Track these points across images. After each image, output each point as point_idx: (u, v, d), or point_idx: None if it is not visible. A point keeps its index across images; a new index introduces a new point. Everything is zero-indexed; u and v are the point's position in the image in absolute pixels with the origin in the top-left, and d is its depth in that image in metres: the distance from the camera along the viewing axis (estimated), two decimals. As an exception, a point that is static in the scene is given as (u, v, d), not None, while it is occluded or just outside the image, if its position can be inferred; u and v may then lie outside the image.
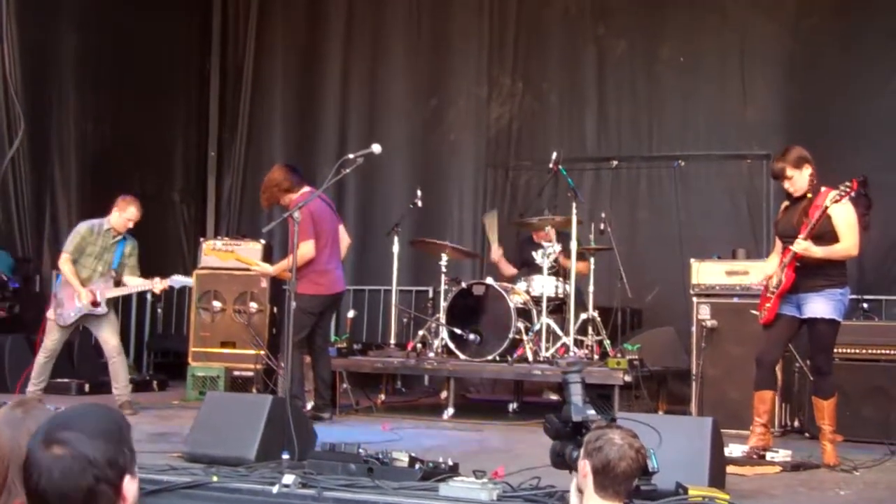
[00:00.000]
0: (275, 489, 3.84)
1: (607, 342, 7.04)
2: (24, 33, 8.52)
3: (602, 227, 7.34)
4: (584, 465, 2.93)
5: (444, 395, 7.43)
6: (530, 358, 6.86)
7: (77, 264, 6.65)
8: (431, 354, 7.22)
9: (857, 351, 6.08)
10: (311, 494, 3.79)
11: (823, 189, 5.01)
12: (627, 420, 3.71)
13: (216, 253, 7.57)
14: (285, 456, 4.39)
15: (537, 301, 7.11)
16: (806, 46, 8.63)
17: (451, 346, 7.08)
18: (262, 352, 7.40)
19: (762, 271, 5.36)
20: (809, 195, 5.04)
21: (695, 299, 6.55)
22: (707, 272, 6.58)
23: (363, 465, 4.06)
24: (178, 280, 6.84)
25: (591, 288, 7.17)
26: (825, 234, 4.95)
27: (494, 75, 9.75)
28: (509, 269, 7.88)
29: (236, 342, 7.68)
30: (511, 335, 6.88)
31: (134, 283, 6.77)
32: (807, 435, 6.03)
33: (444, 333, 7.15)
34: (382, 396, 7.73)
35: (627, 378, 6.38)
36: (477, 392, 8.91)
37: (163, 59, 10.20)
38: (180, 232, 10.43)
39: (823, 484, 4.57)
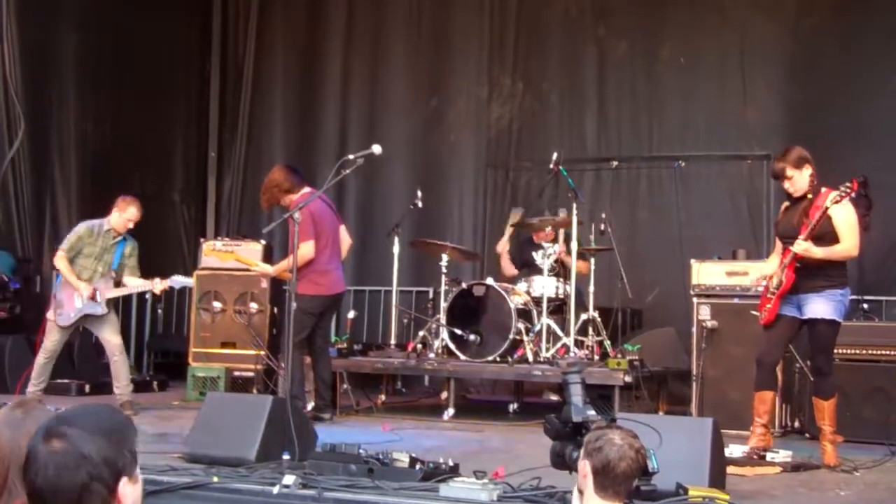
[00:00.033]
0: (275, 490, 3.84)
1: (608, 343, 7.04)
2: (25, 33, 8.53)
3: (602, 227, 7.35)
4: (584, 466, 2.93)
5: (444, 395, 7.43)
6: (530, 358, 6.86)
7: (76, 265, 6.65)
8: (432, 355, 7.22)
9: (858, 352, 6.09)
10: (311, 495, 3.79)
11: (824, 190, 5.01)
12: (627, 420, 3.71)
13: (216, 253, 7.57)
14: (286, 456, 4.39)
15: (538, 301, 7.11)
16: (806, 47, 8.63)
17: (452, 346, 7.08)
18: (263, 352, 7.40)
19: (761, 272, 5.36)
20: (809, 196, 5.04)
21: (695, 300, 6.55)
22: (707, 273, 6.58)
23: (363, 465, 4.06)
24: (178, 281, 6.84)
25: (591, 288, 7.17)
26: (825, 234, 4.95)
27: (495, 75, 9.75)
28: (510, 268, 7.88)
29: (237, 343, 7.68)
30: (511, 336, 6.88)
31: (134, 283, 6.77)
32: (807, 435, 6.03)
33: (444, 334, 7.15)
34: (383, 397, 7.73)
35: (628, 378, 6.38)
36: (477, 392, 8.91)
37: (163, 59, 10.20)
38: (180, 232, 10.43)
39: (824, 484, 4.57)
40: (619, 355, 6.64)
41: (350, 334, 7.98)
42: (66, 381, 7.57)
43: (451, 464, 4.10)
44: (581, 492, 3.00)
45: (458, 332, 7.06)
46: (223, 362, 7.67)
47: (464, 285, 7.25)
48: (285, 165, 6.89)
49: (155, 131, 10.05)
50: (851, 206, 4.99)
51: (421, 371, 7.62)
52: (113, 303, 6.79)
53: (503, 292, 7.02)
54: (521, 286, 7.34)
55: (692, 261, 6.70)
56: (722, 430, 4.32)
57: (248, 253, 7.55)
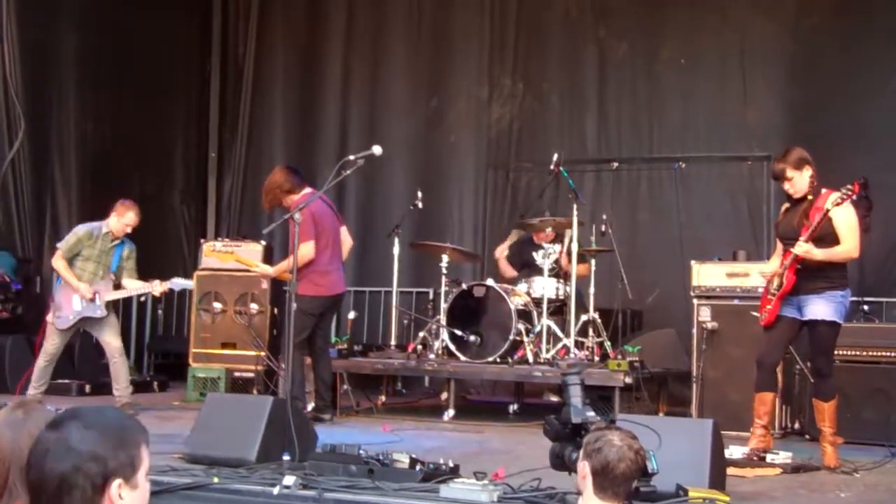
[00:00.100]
0: (275, 490, 3.84)
1: (608, 344, 7.04)
2: (25, 34, 8.53)
3: (603, 228, 7.34)
4: (584, 467, 2.93)
5: (444, 396, 7.44)
6: (531, 359, 6.86)
7: (75, 267, 6.65)
8: (432, 356, 7.22)
9: (858, 353, 6.08)
10: (311, 496, 3.79)
11: (824, 191, 5.01)
12: (627, 422, 3.72)
13: (216, 254, 7.57)
14: (286, 457, 4.38)
15: (538, 302, 7.11)
16: (806, 47, 8.63)
17: (452, 347, 7.08)
18: (263, 353, 7.40)
19: (761, 271, 5.36)
20: (810, 197, 5.04)
21: (695, 301, 6.55)
22: (707, 274, 6.58)
23: (364, 466, 4.06)
24: (177, 283, 6.84)
25: (591, 289, 7.17)
26: (826, 236, 4.95)
27: (495, 76, 9.75)
28: (509, 271, 7.88)
29: (237, 343, 7.68)
30: (511, 336, 6.88)
31: (133, 286, 6.76)
32: (807, 437, 6.03)
33: (444, 335, 7.14)
34: (383, 398, 7.73)
35: (628, 380, 6.37)
36: (477, 393, 8.91)
37: (163, 60, 10.21)
38: (181, 233, 10.43)
39: (824, 486, 4.57)
40: (620, 356, 6.64)
41: (350, 335, 7.98)
42: (66, 381, 7.57)
43: (451, 465, 4.10)
44: (580, 493, 3.00)
45: (459, 332, 7.06)
46: (223, 363, 7.67)
47: (464, 286, 7.25)
48: (286, 166, 6.89)
49: (155, 131, 10.05)
50: (852, 207, 4.99)
51: (421, 372, 7.62)
52: (112, 304, 6.78)
53: (503, 293, 7.02)
54: (522, 287, 7.34)
55: (692, 262, 6.70)
56: (722, 432, 4.32)
57: (249, 253, 7.55)
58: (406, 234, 8.23)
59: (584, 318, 7.07)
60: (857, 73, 8.32)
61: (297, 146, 10.33)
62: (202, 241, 8.40)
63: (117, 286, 6.72)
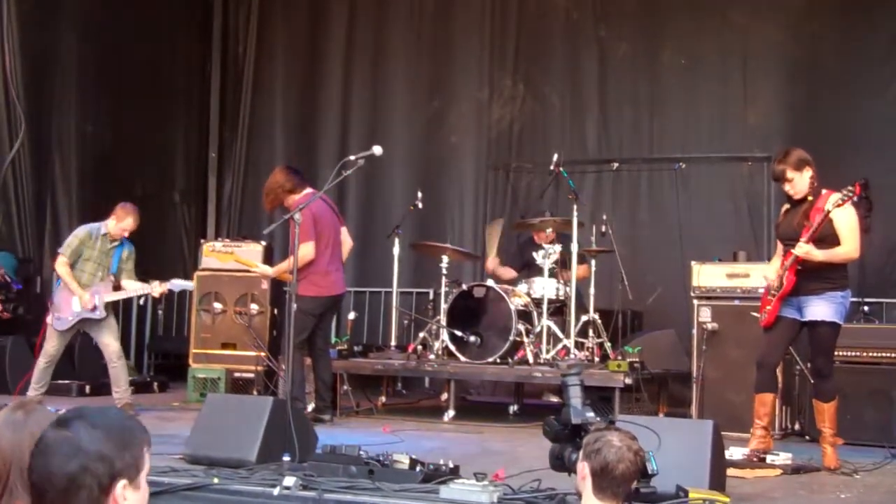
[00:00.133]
0: (276, 491, 3.84)
1: (608, 344, 7.04)
2: (25, 34, 8.53)
3: (603, 229, 7.35)
4: (583, 468, 2.93)
5: (444, 397, 7.44)
6: (531, 360, 6.86)
7: (77, 269, 6.64)
8: (432, 356, 7.22)
9: (858, 354, 6.08)
10: (311, 496, 3.79)
11: (824, 192, 5.01)
12: (627, 422, 3.72)
13: (216, 254, 7.58)
14: (286, 458, 4.38)
15: (538, 303, 7.11)
16: (807, 50, 8.63)
17: (452, 348, 7.08)
18: (263, 353, 7.40)
19: (764, 275, 5.35)
20: (810, 198, 5.04)
21: (695, 302, 6.55)
22: (708, 274, 6.58)
23: (364, 467, 4.06)
24: (177, 284, 6.83)
25: (591, 290, 7.17)
26: (826, 237, 4.95)
27: (496, 77, 9.75)
28: (506, 275, 7.88)
29: (237, 344, 7.69)
30: (511, 337, 6.88)
31: (133, 287, 6.76)
32: (807, 438, 6.03)
33: (444, 335, 7.14)
34: (383, 398, 7.74)
35: (628, 380, 6.37)
36: (477, 394, 8.91)
37: (163, 60, 10.21)
38: (181, 233, 10.43)
39: (824, 487, 4.57)
40: (620, 357, 6.64)
41: (350, 336, 7.98)
42: (66, 382, 7.57)
43: (451, 465, 4.10)
44: (580, 493, 3.01)
45: (459, 333, 7.06)
46: (224, 363, 7.67)
47: (464, 287, 7.25)
48: (286, 166, 6.89)
49: (155, 131, 10.06)
50: (853, 208, 4.99)
51: (421, 372, 7.62)
52: (112, 305, 6.78)
53: (503, 294, 7.02)
54: (522, 287, 7.34)
55: (693, 262, 6.70)
56: (722, 433, 4.32)
57: (249, 254, 7.55)
58: (406, 235, 8.23)
59: (584, 318, 7.08)
60: (858, 75, 8.32)
61: (298, 146, 10.33)
62: (202, 241, 8.40)
63: (116, 287, 6.71)
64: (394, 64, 10.14)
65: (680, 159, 8.84)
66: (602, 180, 9.23)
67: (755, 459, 4.92)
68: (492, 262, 7.92)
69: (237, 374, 7.62)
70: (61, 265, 6.63)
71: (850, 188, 4.87)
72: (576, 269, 7.16)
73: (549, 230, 7.52)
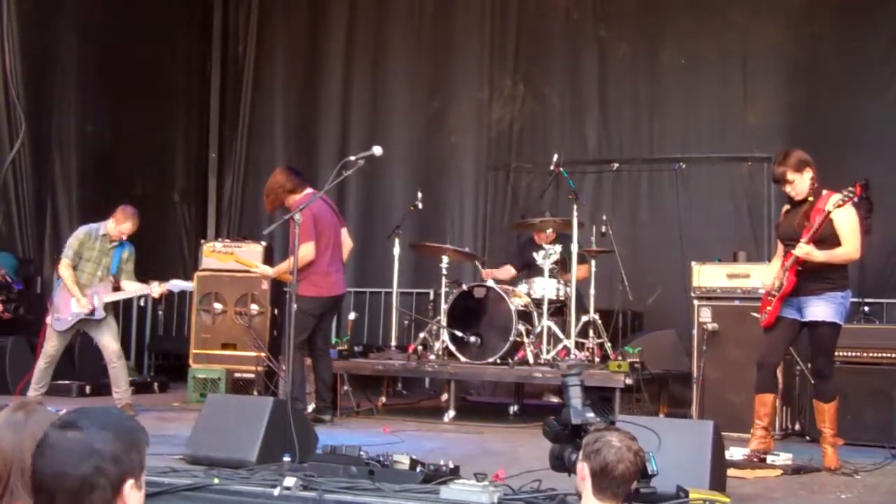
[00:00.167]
0: (276, 492, 3.84)
1: (608, 345, 7.04)
2: (25, 34, 8.53)
3: (603, 229, 7.35)
4: (583, 468, 2.93)
5: (444, 397, 7.44)
6: (531, 360, 6.86)
7: (76, 269, 6.64)
8: (432, 357, 7.22)
9: (859, 354, 6.08)
10: (312, 497, 3.79)
11: (825, 192, 5.01)
12: (627, 423, 3.72)
13: (216, 254, 7.57)
14: (286, 458, 4.39)
15: (538, 303, 7.11)
16: (807, 50, 8.64)
17: (452, 348, 7.08)
18: (263, 354, 7.40)
19: (766, 277, 5.34)
20: (811, 198, 5.04)
21: (696, 302, 6.55)
22: (708, 275, 6.58)
23: (364, 467, 4.06)
24: (176, 284, 6.82)
25: (591, 290, 7.17)
26: (827, 237, 4.95)
27: (496, 77, 9.75)
28: (506, 273, 7.87)
29: (237, 344, 7.68)
30: (512, 337, 6.88)
31: (132, 287, 6.75)
32: (807, 438, 6.03)
33: (444, 336, 7.14)
34: (383, 399, 7.74)
35: (628, 381, 6.37)
36: (478, 394, 8.91)
37: (163, 59, 10.22)
38: (181, 233, 10.43)
39: (824, 487, 4.57)
40: (620, 357, 6.64)
41: (350, 336, 7.98)
42: (66, 382, 7.57)
43: (451, 466, 4.10)
44: (579, 494, 3.01)
45: (459, 333, 7.06)
46: (224, 364, 7.67)
47: (464, 287, 7.25)
48: (287, 167, 6.89)
49: (155, 132, 10.06)
50: (853, 209, 4.99)
51: (421, 373, 7.62)
52: (112, 306, 6.77)
53: (503, 294, 7.02)
54: (522, 288, 7.34)
55: (693, 263, 6.70)
56: (722, 433, 4.32)
57: (249, 254, 7.55)
58: (406, 235, 8.23)
59: (584, 319, 7.08)
60: (858, 75, 8.32)
61: (298, 146, 10.34)
62: (202, 241, 8.40)
63: (116, 288, 6.71)
64: (394, 64, 10.14)
65: (680, 159, 8.85)
66: (602, 180, 9.23)
67: (755, 460, 4.92)
68: (485, 273, 7.82)
69: (237, 375, 7.62)
70: (64, 268, 6.62)
71: (850, 189, 4.87)
72: (576, 270, 7.16)
73: (550, 230, 7.52)
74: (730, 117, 8.93)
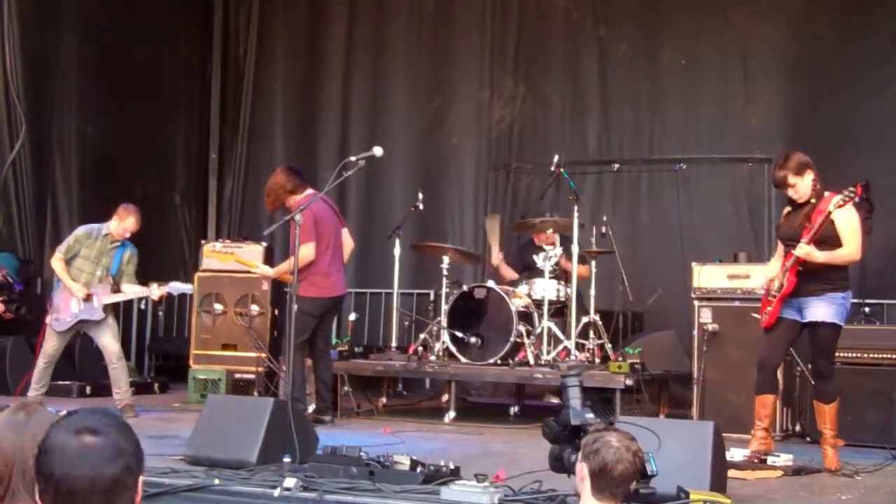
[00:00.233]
0: (276, 492, 3.84)
1: (608, 346, 7.04)
2: (26, 36, 8.53)
3: (603, 230, 7.35)
4: (582, 468, 2.93)
5: (445, 398, 7.44)
6: (531, 361, 6.86)
7: (74, 267, 6.66)
8: (433, 357, 7.22)
9: (859, 355, 6.08)
10: (312, 497, 3.80)
11: (827, 194, 5.00)
12: (627, 424, 3.72)
13: (216, 255, 7.57)
14: (287, 459, 4.39)
15: (538, 304, 7.11)
16: (807, 50, 8.63)
17: (453, 349, 7.08)
18: (264, 354, 7.40)
19: (764, 274, 5.36)
20: (813, 200, 5.03)
21: (696, 303, 6.55)
22: (708, 275, 6.58)
23: (365, 468, 4.06)
24: (176, 287, 6.82)
25: (592, 291, 7.17)
26: (828, 238, 4.95)
27: (496, 77, 9.75)
28: (510, 274, 7.87)
29: (238, 345, 7.68)
30: (512, 338, 6.88)
31: (132, 290, 6.76)
32: (808, 439, 6.03)
33: (445, 336, 7.14)
34: (384, 399, 7.74)
35: (629, 382, 6.37)
36: (478, 395, 8.91)
37: (164, 61, 10.22)
38: (181, 234, 10.43)
39: (825, 488, 4.57)
40: (620, 358, 6.64)
41: (351, 337, 7.97)
42: (67, 382, 7.57)
43: (451, 467, 4.10)
44: (578, 494, 3.01)
45: (459, 334, 7.06)
46: (224, 364, 7.67)
47: (465, 288, 7.25)
48: (287, 167, 6.89)
49: (156, 132, 10.06)
50: (854, 209, 4.99)
51: (422, 374, 7.62)
52: (112, 307, 6.78)
53: (504, 295, 7.02)
54: (522, 289, 7.33)
55: (693, 264, 6.70)
56: (723, 434, 4.32)
57: (250, 255, 7.54)
58: (407, 236, 8.23)
59: (584, 319, 7.08)
60: (858, 75, 8.32)
61: (298, 147, 10.34)
62: (203, 242, 8.40)
63: (116, 290, 6.72)
64: (394, 64, 10.14)
65: (680, 160, 8.85)
66: (602, 181, 9.23)
67: (756, 461, 4.92)
68: (496, 257, 7.91)
69: (238, 376, 7.62)
70: (56, 261, 6.68)
71: (851, 189, 4.87)
72: (576, 270, 7.16)
73: (550, 231, 7.52)
74: (730, 117, 8.93)
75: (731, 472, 4.45)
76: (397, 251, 7.84)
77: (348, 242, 6.81)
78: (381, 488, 3.85)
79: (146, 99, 9.78)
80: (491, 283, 7.20)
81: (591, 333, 7.05)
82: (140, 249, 6.91)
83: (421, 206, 7.96)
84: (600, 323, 7.11)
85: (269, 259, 7.75)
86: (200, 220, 10.66)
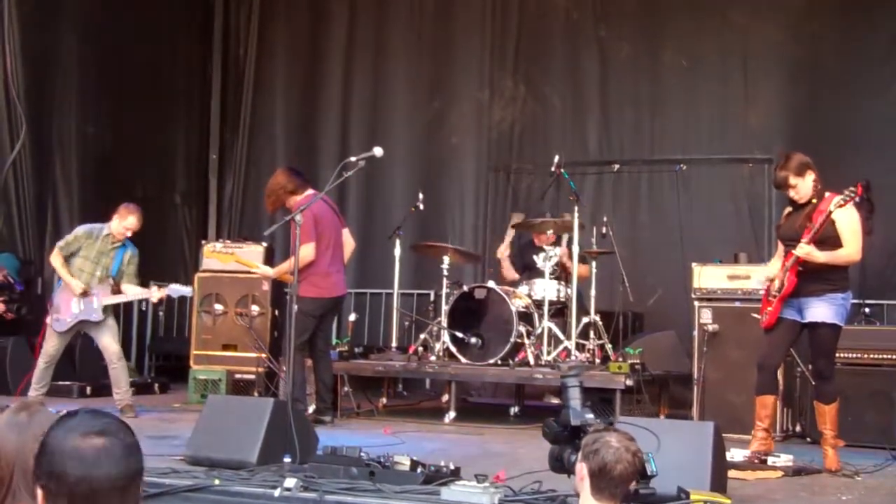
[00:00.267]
0: (276, 493, 3.84)
1: (609, 346, 7.04)
2: (26, 36, 8.53)
3: (604, 230, 7.35)
4: (581, 468, 2.94)
5: (445, 398, 7.44)
6: (532, 362, 6.86)
7: (74, 266, 6.66)
8: (433, 358, 7.22)
9: (859, 356, 6.08)
10: (312, 498, 3.80)
11: (828, 194, 5.00)
12: (627, 424, 3.72)
13: (216, 255, 7.57)
14: (287, 459, 4.39)
15: (539, 305, 7.11)
16: (807, 50, 8.64)
17: (453, 349, 7.08)
18: (264, 355, 7.40)
19: (765, 274, 5.36)
20: (814, 200, 5.03)
21: (696, 303, 6.55)
22: (709, 276, 6.58)
23: (365, 468, 4.06)
24: (175, 289, 6.82)
25: (592, 292, 7.17)
26: (828, 238, 4.95)
27: (496, 77, 9.75)
28: (511, 274, 7.87)
29: (238, 345, 7.68)
30: (512, 339, 6.88)
31: (132, 291, 6.77)
32: (808, 440, 6.03)
33: (445, 337, 7.14)
34: (384, 400, 7.74)
35: (629, 382, 6.37)
36: (478, 396, 8.91)
37: (164, 61, 10.22)
38: (182, 234, 10.44)
39: (825, 489, 4.57)
40: (621, 359, 6.64)
41: (351, 337, 7.97)
42: (67, 383, 7.58)
43: (452, 467, 4.10)
44: (578, 494, 3.01)
45: (460, 335, 7.06)
46: (224, 365, 7.67)
47: (465, 288, 7.25)
48: (288, 168, 6.90)
49: (156, 133, 10.06)
50: (855, 210, 4.99)
51: (422, 374, 7.62)
52: (112, 308, 6.78)
53: (504, 295, 7.02)
54: (523, 289, 7.34)
55: (693, 264, 6.70)
56: (723, 434, 4.32)
57: (250, 255, 7.55)
58: (407, 236, 8.23)
59: (585, 320, 7.08)
60: (858, 75, 8.33)
61: (299, 147, 10.34)
62: (203, 242, 8.40)
63: (116, 290, 6.72)
64: (394, 64, 10.15)
65: (680, 160, 8.85)
66: (603, 182, 9.24)
67: (756, 461, 4.92)
68: (501, 251, 7.89)
69: (238, 376, 7.62)
70: (54, 256, 6.71)
71: (851, 189, 4.87)
72: (577, 271, 7.16)
73: (550, 231, 7.52)
74: (730, 118, 8.93)
75: (732, 473, 4.45)
76: (397, 251, 7.84)
77: (349, 243, 6.81)
78: (381, 489, 3.86)
79: (147, 99, 9.79)
80: (491, 284, 7.20)
81: (592, 334, 7.05)
82: (140, 250, 6.91)
83: (421, 207, 7.96)
84: (600, 323, 7.11)
85: (270, 259, 7.75)
86: (201, 221, 10.66)
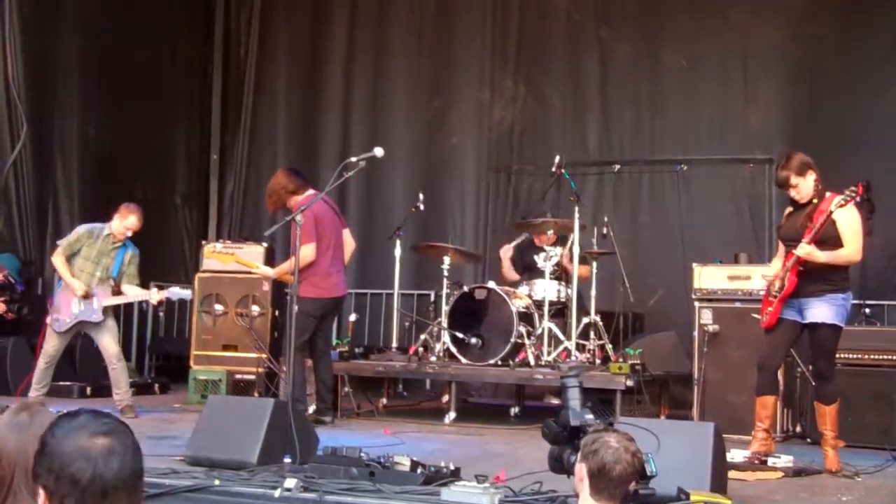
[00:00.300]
0: (276, 493, 3.84)
1: (609, 346, 7.04)
2: (27, 36, 8.54)
3: (604, 231, 7.35)
4: (580, 469, 2.94)
5: (445, 399, 7.44)
6: (532, 362, 6.86)
7: (74, 266, 6.66)
8: (433, 358, 7.22)
9: (860, 356, 6.08)
10: (312, 498, 3.80)
11: (828, 194, 5.00)
12: (627, 425, 3.72)
13: (217, 255, 7.57)
14: (287, 460, 4.39)
15: (539, 305, 7.11)
16: (808, 50, 8.64)
17: (453, 349, 7.08)
18: (264, 355, 7.40)
19: (764, 274, 5.35)
20: (815, 200, 5.03)
21: (697, 304, 6.55)
22: (709, 276, 6.58)
23: (365, 469, 4.06)
24: (175, 292, 6.81)
25: (592, 292, 7.17)
26: (829, 238, 4.95)
27: (496, 78, 9.76)
28: (512, 275, 7.87)
29: (238, 345, 7.68)
30: (513, 339, 6.88)
31: (132, 292, 6.76)
32: (808, 440, 6.03)
33: (445, 337, 7.14)
34: (384, 400, 7.74)
35: (629, 382, 6.37)
36: (479, 396, 8.91)
37: (165, 62, 10.23)
38: (182, 235, 10.44)
39: (825, 490, 4.57)
40: (621, 359, 6.64)
41: (351, 337, 7.97)
42: (67, 383, 7.58)
43: (452, 467, 4.10)
44: (577, 494, 3.01)
45: (460, 335, 7.06)
46: (224, 365, 7.67)
47: (465, 289, 7.25)
48: (288, 168, 6.90)
49: (157, 134, 10.07)
50: (855, 210, 4.99)
51: (422, 374, 7.62)
52: (112, 309, 6.78)
53: (505, 296, 7.02)
54: (523, 289, 7.34)
55: (694, 264, 6.70)
56: (723, 435, 4.32)
57: (250, 255, 7.55)
58: (407, 237, 8.23)
59: (585, 320, 7.08)
60: (858, 75, 8.33)
61: (299, 148, 10.35)
62: (203, 242, 8.40)
63: (117, 291, 6.72)
64: (395, 65, 10.15)
65: (681, 161, 8.85)
66: (603, 182, 9.24)
67: (756, 462, 4.92)
68: (505, 250, 7.86)
69: (238, 376, 7.62)
70: (56, 256, 6.72)
71: (852, 189, 4.86)
72: (577, 271, 7.16)
73: (550, 232, 7.52)
74: (730, 118, 8.94)
75: (732, 473, 4.45)
76: (398, 252, 7.85)
77: (350, 243, 6.81)
78: (381, 489, 3.86)
79: (147, 100, 9.79)
80: (491, 284, 7.20)
81: (592, 334, 7.05)
82: (140, 250, 6.91)
83: (422, 207, 7.96)
84: (601, 324, 7.11)
85: (270, 260, 7.75)
86: (201, 221, 10.67)
